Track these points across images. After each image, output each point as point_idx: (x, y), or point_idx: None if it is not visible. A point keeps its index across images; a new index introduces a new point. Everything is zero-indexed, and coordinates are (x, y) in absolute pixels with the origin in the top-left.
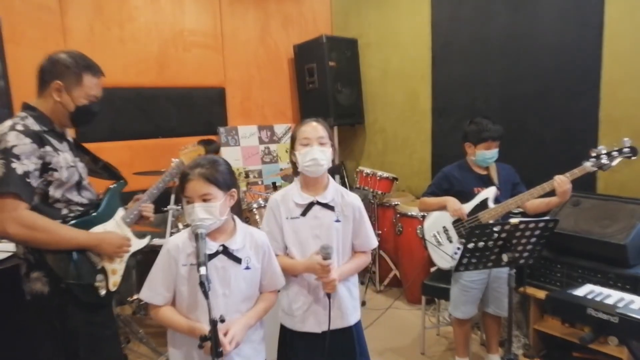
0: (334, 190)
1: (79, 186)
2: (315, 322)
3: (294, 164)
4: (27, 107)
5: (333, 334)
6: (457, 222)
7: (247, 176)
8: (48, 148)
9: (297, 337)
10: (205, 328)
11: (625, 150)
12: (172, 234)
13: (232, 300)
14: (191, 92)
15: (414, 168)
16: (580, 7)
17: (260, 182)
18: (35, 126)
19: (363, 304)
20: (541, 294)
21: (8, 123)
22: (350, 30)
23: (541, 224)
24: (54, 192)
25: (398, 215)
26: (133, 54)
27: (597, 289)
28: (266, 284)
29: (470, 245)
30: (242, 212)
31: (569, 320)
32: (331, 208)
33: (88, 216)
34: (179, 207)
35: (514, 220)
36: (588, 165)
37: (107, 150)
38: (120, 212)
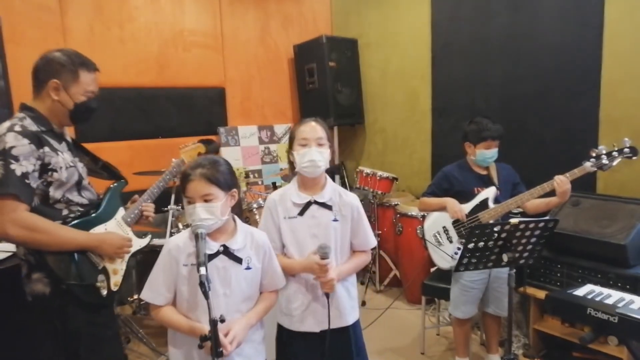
0: (331, 190)
1: (79, 186)
2: (314, 321)
3: (291, 164)
4: (24, 108)
5: (330, 333)
6: (457, 222)
7: (247, 176)
8: (47, 148)
9: (295, 337)
10: (206, 328)
11: (625, 150)
12: (172, 234)
13: (232, 300)
14: (191, 92)
15: (414, 168)
16: (580, 7)
17: (260, 182)
18: (33, 127)
19: (363, 303)
20: (541, 294)
21: (6, 124)
22: (350, 30)
23: (541, 224)
24: (54, 193)
25: (398, 215)
26: (133, 54)
27: (597, 289)
28: (267, 284)
29: (471, 245)
30: (242, 212)
31: (569, 320)
32: (329, 207)
33: (89, 216)
34: (179, 207)
35: (514, 220)
36: (588, 165)
37: (107, 150)
38: (121, 212)
